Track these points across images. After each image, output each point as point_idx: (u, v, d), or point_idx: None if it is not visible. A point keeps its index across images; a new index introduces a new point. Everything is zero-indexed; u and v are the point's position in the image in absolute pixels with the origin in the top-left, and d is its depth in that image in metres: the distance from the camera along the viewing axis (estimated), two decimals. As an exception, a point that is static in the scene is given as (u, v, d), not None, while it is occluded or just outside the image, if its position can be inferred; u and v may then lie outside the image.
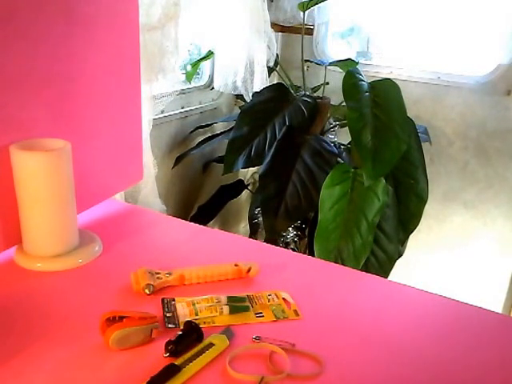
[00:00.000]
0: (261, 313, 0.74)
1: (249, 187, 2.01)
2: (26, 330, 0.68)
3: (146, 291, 0.76)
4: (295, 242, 1.73)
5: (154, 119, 1.39)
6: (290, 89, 1.71)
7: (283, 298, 0.77)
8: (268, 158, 1.46)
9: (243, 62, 1.64)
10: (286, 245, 1.73)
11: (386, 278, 1.40)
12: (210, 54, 1.66)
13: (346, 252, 1.32)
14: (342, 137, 1.75)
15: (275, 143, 1.49)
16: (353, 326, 0.73)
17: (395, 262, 1.45)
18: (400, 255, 1.50)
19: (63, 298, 0.75)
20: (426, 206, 1.48)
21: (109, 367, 0.61)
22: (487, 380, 0.64)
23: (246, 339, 0.67)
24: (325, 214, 1.36)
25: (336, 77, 1.68)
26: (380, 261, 1.41)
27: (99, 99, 0.96)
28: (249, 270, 0.82)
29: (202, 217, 1.77)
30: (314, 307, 0.76)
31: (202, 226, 1.04)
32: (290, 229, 1.71)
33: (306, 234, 1.69)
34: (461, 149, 1.93)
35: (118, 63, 0.99)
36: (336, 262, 1.25)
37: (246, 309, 0.74)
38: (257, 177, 1.95)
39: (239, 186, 1.90)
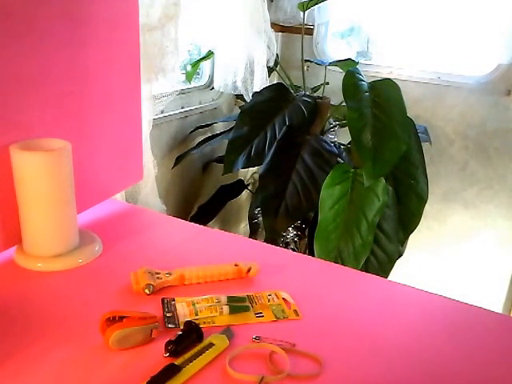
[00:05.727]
0: (261, 313, 0.74)
1: (249, 187, 2.01)
2: (25, 329, 0.67)
3: (146, 291, 0.76)
4: (295, 242, 1.73)
5: (154, 119, 1.39)
6: (290, 89, 1.71)
7: (283, 298, 0.77)
8: (268, 158, 1.46)
9: (243, 62, 1.64)
10: (286, 245, 1.73)
11: (386, 278, 1.40)
12: (209, 53, 1.66)
13: (346, 252, 1.32)
14: (342, 137, 1.75)
15: (275, 143, 1.49)
16: (353, 326, 0.73)
17: (395, 262, 1.45)
18: (400, 255, 1.50)
19: (63, 298, 0.75)
20: (426, 206, 1.48)
21: (109, 367, 0.61)
22: (487, 380, 0.64)
23: (246, 339, 0.67)
24: (325, 213, 1.36)
25: (336, 77, 1.68)
26: (380, 261, 1.41)
27: (99, 99, 0.96)
28: (249, 270, 0.82)
29: (202, 217, 1.76)
30: (314, 307, 0.76)
31: (202, 226, 1.04)
32: (290, 229, 1.71)
33: (306, 234, 1.69)
34: (461, 149, 1.93)
35: (118, 63, 0.99)
36: (336, 262, 1.25)
37: (246, 309, 0.74)
38: (257, 177, 1.95)
39: (239, 186, 1.90)
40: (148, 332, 0.65)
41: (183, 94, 1.70)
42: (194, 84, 1.79)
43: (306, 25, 1.81)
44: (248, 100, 1.67)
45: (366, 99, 1.39)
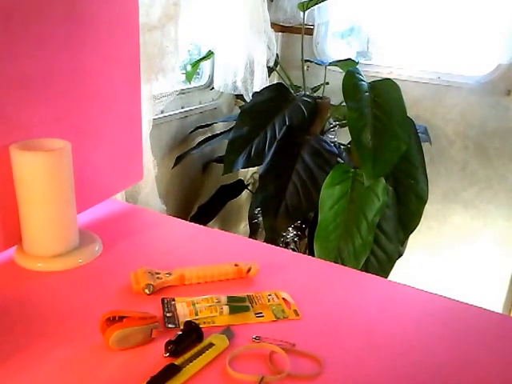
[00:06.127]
0: (261, 313, 0.74)
1: (249, 187, 2.01)
2: (25, 329, 0.68)
3: (146, 291, 0.76)
4: (295, 242, 1.73)
5: (154, 119, 1.39)
6: (290, 89, 1.71)
7: (283, 298, 0.77)
8: (268, 158, 1.46)
9: (243, 62, 1.64)
10: (286, 245, 1.73)
11: (386, 278, 1.40)
12: (209, 53, 1.66)
13: (346, 252, 1.32)
14: (342, 137, 1.75)
15: (275, 143, 1.49)
16: (353, 325, 0.73)
17: (395, 262, 1.45)
18: (400, 255, 1.50)
19: (63, 298, 0.75)
20: (426, 206, 1.48)
21: (109, 367, 0.61)
22: (487, 380, 0.64)
23: (246, 339, 0.67)
24: (325, 213, 1.36)
25: (336, 77, 1.68)
26: (380, 261, 1.41)
27: (99, 99, 0.96)
28: (249, 270, 0.82)
29: (202, 217, 1.76)
30: (314, 307, 0.76)
31: (202, 226, 1.04)
32: (290, 229, 1.71)
33: (306, 234, 1.69)
34: (461, 149, 1.93)
35: (118, 63, 0.99)
36: (336, 262, 1.25)
37: (246, 309, 0.74)
38: (257, 177, 1.95)
39: (239, 186, 1.90)
40: (148, 332, 0.65)
41: (183, 93, 1.70)
42: (194, 84, 1.79)
43: (306, 25, 1.82)
44: (248, 100, 1.67)
45: (366, 99, 1.39)
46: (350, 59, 1.67)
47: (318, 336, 0.70)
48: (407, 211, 1.49)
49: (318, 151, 1.50)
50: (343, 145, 1.71)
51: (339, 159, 1.56)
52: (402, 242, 1.52)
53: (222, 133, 1.76)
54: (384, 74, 1.93)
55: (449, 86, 1.88)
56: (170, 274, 0.79)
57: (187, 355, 0.62)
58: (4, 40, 0.75)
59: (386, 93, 1.43)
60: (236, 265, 0.83)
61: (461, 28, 1.85)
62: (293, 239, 1.73)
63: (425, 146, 1.54)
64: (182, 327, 0.67)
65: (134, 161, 1.12)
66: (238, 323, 0.71)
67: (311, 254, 1.44)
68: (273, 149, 1.48)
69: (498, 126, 1.84)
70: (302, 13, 1.72)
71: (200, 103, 1.81)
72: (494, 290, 1.99)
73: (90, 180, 0.97)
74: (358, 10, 2.04)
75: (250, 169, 2.03)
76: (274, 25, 1.79)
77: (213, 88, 1.77)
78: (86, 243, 0.88)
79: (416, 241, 1.67)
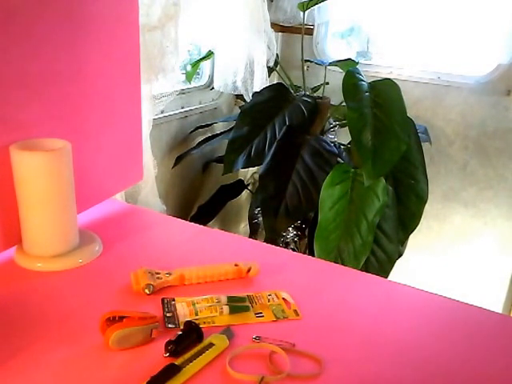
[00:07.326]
0: (261, 313, 0.74)
1: (249, 187, 2.01)
2: (25, 330, 0.67)
3: (146, 291, 0.76)
4: (295, 242, 1.73)
5: (154, 119, 1.39)
6: (290, 89, 1.71)
7: (283, 298, 0.77)
8: (268, 158, 1.46)
9: (243, 62, 1.64)
10: (286, 245, 1.73)
11: (386, 278, 1.40)
12: (209, 53, 1.66)
13: (346, 252, 1.32)
14: (342, 137, 1.75)
15: (275, 143, 1.49)
16: (353, 325, 0.73)
17: (395, 262, 1.45)
18: (400, 255, 1.50)
19: (63, 298, 0.75)
20: (426, 206, 1.48)
21: (109, 367, 0.61)
22: (487, 380, 0.64)
23: (246, 339, 0.67)
24: (325, 214, 1.36)
25: (336, 77, 1.68)
26: (380, 261, 1.41)
27: (99, 99, 0.96)
28: (249, 270, 0.82)
29: (202, 217, 1.76)
30: (314, 307, 0.76)
31: (202, 226, 1.04)
32: (290, 229, 1.71)
33: (306, 234, 1.69)
34: (461, 149, 1.93)
35: (118, 63, 0.99)
36: (336, 262, 1.25)
37: (246, 309, 0.74)
38: (257, 177, 1.95)
39: (239, 186, 1.90)
40: (148, 332, 0.65)
41: (183, 93, 1.70)
42: (194, 84, 1.79)
43: (306, 25, 1.82)
44: (248, 100, 1.67)
45: (366, 99, 1.39)
46: (349, 59, 1.67)
47: (318, 336, 0.70)
48: (407, 211, 1.49)
49: (318, 151, 1.50)
50: (343, 145, 1.71)
51: (339, 159, 1.56)
52: (402, 242, 1.52)
53: (222, 133, 1.76)
54: (384, 74, 1.93)
55: (449, 86, 1.88)
56: (169, 273, 0.79)
57: (187, 355, 0.62)
58: (4, 40, 0.75)
59: (385, 93, 1.43)
60: (236, 265, 0.83)
61: (461, 28, 1.85)
62: (293, 239, 1.73)
63: (425, 146, 1.54)
64: (181, 327, 0.67)
65: (134, 161, 1.12)
66: (238, 323, 0.71)
67: (311, 254, 1.44)
68: (273, 149, 1.48)
69: (498, 126, 1.84)
70: (302, 13, 1.72)
71: (200, 103, 1.81)
72: (494, 289, 1.99)
73: (90, 180, 0.97)
74: (358, 9, 2.04)
75: (250, 169, 2.03)
76: (274, 25, 1.79)
77: (213, 88, 1.77)
78: (85, 243, 0.88)
79: (416, 241, 1.67)
